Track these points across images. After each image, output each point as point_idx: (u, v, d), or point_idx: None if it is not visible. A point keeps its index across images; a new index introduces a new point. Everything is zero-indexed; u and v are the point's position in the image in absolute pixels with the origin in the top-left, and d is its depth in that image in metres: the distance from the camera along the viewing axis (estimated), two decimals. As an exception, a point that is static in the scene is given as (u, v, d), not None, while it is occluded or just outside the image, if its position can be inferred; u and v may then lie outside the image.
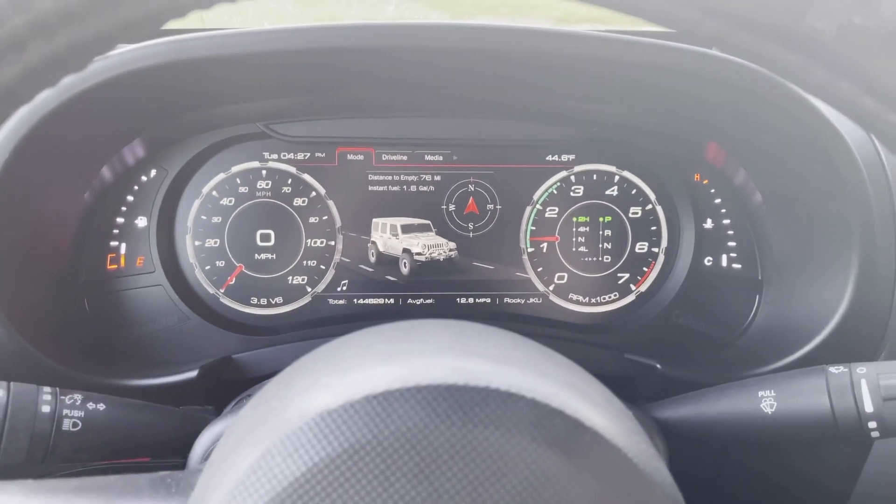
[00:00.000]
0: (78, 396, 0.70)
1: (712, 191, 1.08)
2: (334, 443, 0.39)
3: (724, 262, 1.08)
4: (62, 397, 0.69)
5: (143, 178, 1.02)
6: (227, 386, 0.93)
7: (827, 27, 0.34)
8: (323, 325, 1.07)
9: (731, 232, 1.08)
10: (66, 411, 0.68)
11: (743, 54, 0.37)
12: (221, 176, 1.04)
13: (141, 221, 1.02)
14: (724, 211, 1.08)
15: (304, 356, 0.50)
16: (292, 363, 0.50)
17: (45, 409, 0.67)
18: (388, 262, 1.09)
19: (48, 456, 0.67)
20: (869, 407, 0.69)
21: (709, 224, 1.09)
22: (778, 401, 0.73)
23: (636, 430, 0.47)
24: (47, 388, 0.69)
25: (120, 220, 1.02)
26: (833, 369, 0.72)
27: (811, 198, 0.93)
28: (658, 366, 0.96)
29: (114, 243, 1.02)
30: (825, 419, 0.71)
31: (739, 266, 1.08)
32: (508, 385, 0.41)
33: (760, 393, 0.74)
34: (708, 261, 1.09)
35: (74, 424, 0.68)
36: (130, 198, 1.02)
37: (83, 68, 0.37)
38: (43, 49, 0.34)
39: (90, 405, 0.70)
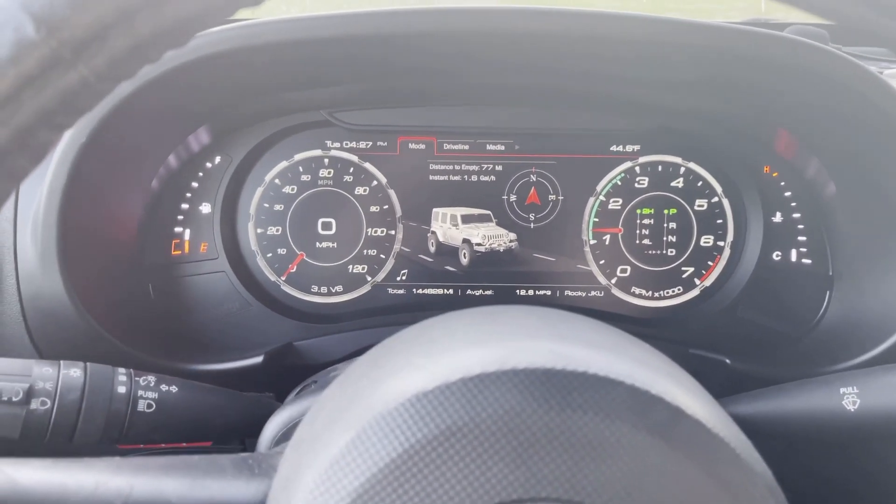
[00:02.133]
0: (151, 378, 0.71)
1: (782, 183, 1.05)
2: (431, 424, 0.38)
3: (794, 257, 1.05)
4: (136, 379, 0.70)
5: (208, 165, 1.03)
6: (287, 373, 0.93)
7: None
8: (382, 314, 1.07)
9: (801, 226, 1.05)
10: (140, 392, 0.69)
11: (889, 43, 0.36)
12: (284, 164, 1.05)
13: (205, 208, 1.03)
14: (794, 204, 1.05)
15: (389, 339, 0.50)
16: (376, 345, 0.50)
17: (121, 389, 0.68)
18: (447, 252, 1.08)
19: (123, 436, 0.68)
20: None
21: (778, 218, 1.06)
22: (861, 398, 0.70)
23: (731, 421, 0.45)
24: (122, 370, 0.70)
25: (185, 206, 1.03)
26: (920, 366, 0.70)
27: (888, 188, 0.90)
28: (728, 361, 0.94)
29: (178, 229, 1.03)
30: (912, 418, 0.68)
31: (809, 261, 1.05)
32: (608, 371, 0.40)
33: (842, 389, 0.71)
34: (776, 255, 1.06)
35: (149, 406, 0.68)
36: (195, 184, 1.03)
37: (184, 44, 0.37)
38: (152, 21, 0.34)
39: (163, 387, 0.71)
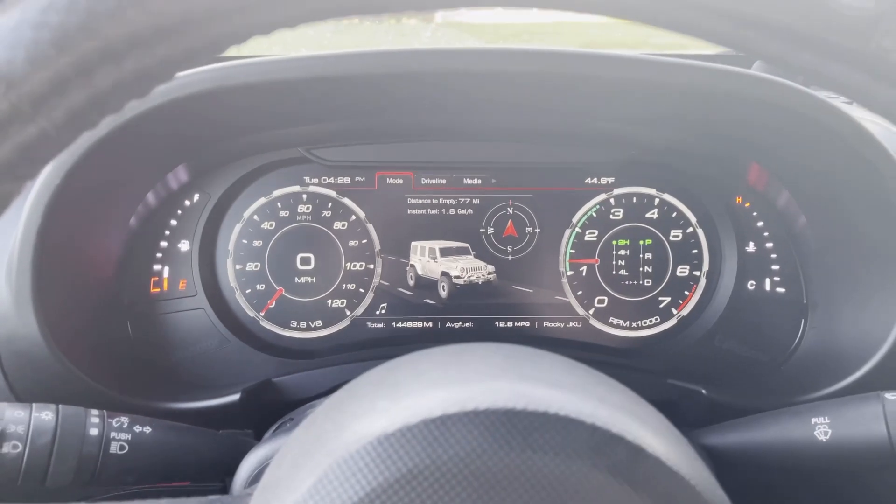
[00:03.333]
0: (125, 419, 0.70)
1: (755, 213, 1.07)
2: (392, 468, 0.38)
3: (768, 286, 1.06)
4: (109, 420, 0.69)
5: (187, 203, 1.03)
6: (265, 410, 0.93)
7: (894, 46, 0.34)
8: (362, 348, 1.07)
9: (774, 255, 1.06)
10: (113, 434, 0.68)
11: (807, 75, 0.37)
12: (262, 200, 1.05)
13: (184, 245, 1.03)
14: (766, 234, 1.06)
15: (355, 380, 0.50)
16: (342, 387, 0.50)
17: (93, 431, 0.67)
18: (426, 285, 1.09)
19: (95, 478, 0.68)
20: (929, 435, 0.66)
21: (751, 247, 1.07)
22: (832, 428, 0.71)
23: (695, 456, 0.45)
24: (95, 411, 0.69)
25: (164, 243, 1.03)
26: (890, 395, 0.70)
27: (859, 219, 0.91)
28: (703, 391, 0.94)
29: (157, 267, 1.03)
30: (882, 447, 0.68)
31: (784, 290, 1.06)
32: (568, 410, 0.40)
33: (814, 420, 0.72)
34: (751, 284, 1.07)
35: (122, 447, 0.68)
36: (174, 222, 1.03)
37: (146, 94, 0.37)
38: (112, 75, 0.35)
39: (137, 428, 0.70)
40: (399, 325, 1.09)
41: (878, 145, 0.83)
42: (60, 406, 0.68)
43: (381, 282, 1.08)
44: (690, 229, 1.09)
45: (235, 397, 0.91)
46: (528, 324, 1.10)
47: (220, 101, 0.85)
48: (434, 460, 0.38)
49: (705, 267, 1.09)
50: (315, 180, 1.06)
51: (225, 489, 0.77)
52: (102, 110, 0.36)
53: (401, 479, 0.38)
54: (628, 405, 0.45)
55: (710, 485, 0.43)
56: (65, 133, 0.35)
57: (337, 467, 0.39)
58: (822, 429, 0.71)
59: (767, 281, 1.06)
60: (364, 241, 1.07)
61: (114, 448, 0.68)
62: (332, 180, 1.06)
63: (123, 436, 0.69)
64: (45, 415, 0.65)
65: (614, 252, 1.09)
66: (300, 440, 0.46)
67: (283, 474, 0.43)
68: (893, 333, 0.86)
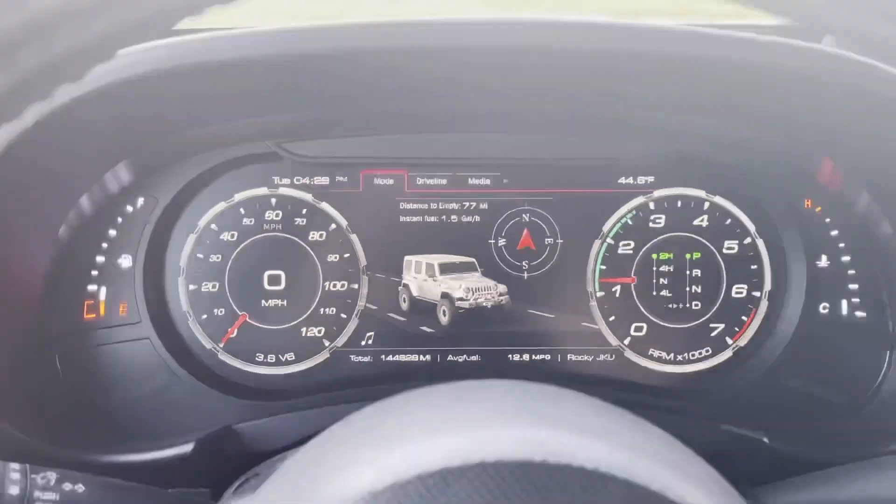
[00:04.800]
0: (52, 475, 0.70)
1: (827, 220, 1.07)
2: (381, 534, 0.38)
3: (845, 310, 1.07)
4: (33, 476, 0.69)
5: (129, 209, 1.04)
6: (225, 464, 0.93)
7: None
8: (344, 387, 1.07)
9: (852, 271, 1.06)
10: (37, 493, 0.68)
11: (886, 51, 0.37)
12: (222, 205, 1.06)
13: (125, 261, 1.04)
14: (842, 245, 1.07)
15: (336, 424, 0.50)
16: (320, 433, 0.50)
17: (14, 490, 0.67)
18: (423, 309, 1.09)
19: (16, 548, 0.68)
20: None
21: (823, 262, 1.07)
22: (925, 485, 0.71)
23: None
24: (15, 465, 0.69)
25: (100, 259, 1.03)
26: None
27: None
28: (765, 440, 0.94)
29: (92, 287, 1.03)
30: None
31: (864, 314, 1.06)
32: (597, 462, 0.40)
33: (902, 475, 0.72)
34: (824, 308, 1.07)
35: (48, 509, 0.68)
36: (113, 232, 1.03)
37: (81, 77, 0.38)
38: (38, 55, 0.35)
39: (66, 486, 0.70)
40: (389, 358, 1.09)
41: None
42: None
43: (368, 305, 1.08)
44: (748, 240, 1.09)
45: (188, 448, 0.91)
46: (548, 357, 1.10)
47: (171, 84, 0.86)
48: (432, 525, 0.38)
49: (767, 286, 1.09)
50: (286, 181, 1.07)
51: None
52: (28, 97, 0.36)
53: (391, 548, 0.38)
54: (671, 456, 0.45)
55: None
56: None
57: (313, 534, 0.39)
58: (913, 486, 0.71)
59: (844, 303, 1.07)
60: (346, 255, 1.08)
61: (38, 510, 0.68)
62: (307, 181, 1.07)
63: (50, 495, 0.69)
64: (-46, 470, 0.66)
65: (655, 268, 1.09)
66: (268, 500, 0.46)
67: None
68: None
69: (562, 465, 0.40)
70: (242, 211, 1.07)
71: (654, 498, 0.40)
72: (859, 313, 1.06)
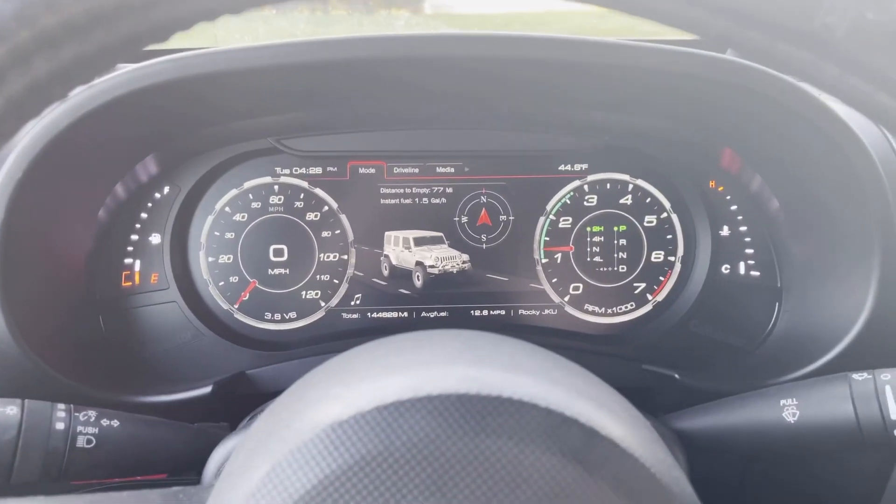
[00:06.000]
0: (92, 413, 0.70)
1: (728, 198, 1.07)
2: (345, 454, 0.38)
3: (742, 270, 1.07)
4: (76, 414, 0.69)
5: (157, 195, 1.03)
6: (241, 402, 0.93)
7: (838, 24, 0.34)
8: (337, 339, 1.07)
9: (748, 239, 1.07)
10: (80, 428, 0.68)
11: (754, 54, 0.37)
12: (234, 192, 1.05)
13: (155, 238, 1.03)
14: (740, 218, 1.07)
15: (315, 368, 0.50)
16: (302, 377, 0.50)
17: (59, 426, 0.67)
18: (401, 275, 1.09)
19: (63, 473, 0.67)
20: (894, 414, 0.67)
21: (725, 231, 1.08)
22: (800, 409, 0.72)
23: (654, 439, 0.46)
24: (61, 406, 0.69)
25: (134, 237, 1.02)
26: (856, 376, 0.71)
27: (829, 202, 0.92)
28: (676, 376, 0.95)
29: (128, 261, 1.02)
30: (850, 427, 0.69)
31: (758, 274, 1.06)
32: (521, 394, 0.40)
33: (782, 402, 0.73)
34: (725, 269, 1.08)
35: (88, 441, 0.68)
36: (144, 215, 1.02)
37: (88, 81, 0.37)
38: (49, 63, 0.34)
39: (104, 422, 0.70)
40: (374, 315, 1.09)
41: (847, 128, 0.83)
42: (26, 400, 0.67)
43: (356, 272, 1.08)
44: (665, 215, 1.10)
45: (207, 390, 0.91)
46: (503, 312, 1.10)
47: (187, 91, 0.85)
48: (387, 447, 0.38)
49: (680, 252, 1.10)
50: (286, 171, 1.06)
51: (200, 481, 0.77)
52: (44, 98, 0.36)
53: (354, 465, 0.38)
54: (586, 388, 0.45)
55: (666, 467, 0.43)
56: (3, 124, 0.35)
57: (290, 455, 0.39)
58: (790, 410, 0.72)
59: (742, 265, 1.07)
60: (337, 231, 1.07)
61: (81, 442, 0.67)
62: (303, 171, 1.06)
63: (90, 430, 0.69)
64: (9, 409, 0.65)
65: (589, 239, 1.10)
66: (258, 429, 0.46)
67: (240, 464, 0.43)
68: (863, 316, 0.87)
69: (492, 397, 0.40)
70: (251, 196, 1.06)
71: (568, 421, 0.40)
72: (754, 273, 1.07)
